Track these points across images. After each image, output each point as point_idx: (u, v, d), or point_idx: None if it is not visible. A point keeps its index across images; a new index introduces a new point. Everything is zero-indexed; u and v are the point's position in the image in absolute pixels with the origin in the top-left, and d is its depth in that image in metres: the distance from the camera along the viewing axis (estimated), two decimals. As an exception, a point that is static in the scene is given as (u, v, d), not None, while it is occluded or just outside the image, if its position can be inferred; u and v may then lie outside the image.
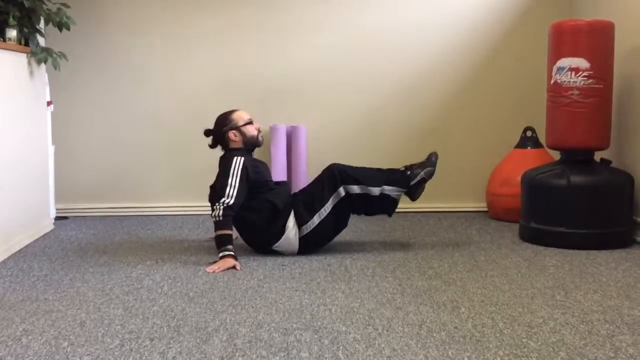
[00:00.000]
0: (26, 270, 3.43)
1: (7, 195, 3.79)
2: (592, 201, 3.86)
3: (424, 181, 3.78)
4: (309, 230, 3.65)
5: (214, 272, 3.33)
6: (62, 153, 4.90)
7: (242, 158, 3.64)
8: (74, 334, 2.48)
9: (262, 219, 3.64)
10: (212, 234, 3.58)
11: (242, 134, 3.78)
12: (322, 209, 3.65)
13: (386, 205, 3.76)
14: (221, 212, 3.47)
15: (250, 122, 3.81)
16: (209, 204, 3.64)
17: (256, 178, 3.66)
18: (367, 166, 3.86)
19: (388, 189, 3.71)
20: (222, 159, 3.77)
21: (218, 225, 3.48)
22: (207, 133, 3.85)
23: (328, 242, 3.80)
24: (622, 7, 4.36)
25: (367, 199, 3.69)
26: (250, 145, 3.81)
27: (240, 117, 3.81)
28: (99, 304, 2.84)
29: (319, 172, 3.81)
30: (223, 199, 3.49)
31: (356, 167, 3.76)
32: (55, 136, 4.76)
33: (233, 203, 3.50)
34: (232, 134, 3.77)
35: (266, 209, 3.64)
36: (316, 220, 3.65)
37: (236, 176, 3.56)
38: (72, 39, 4.69)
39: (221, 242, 3.47)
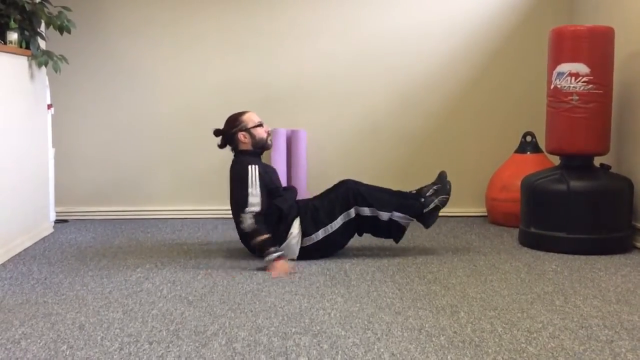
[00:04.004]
0: (25, 273, 3.43)
1: (7, 197, 3.79)
2: (592, 206, 3.86)
3: (437, 209, 3.75)
4: (311, 242, 3.65)
5: (278, 277, 3.32)
6: (62, 156, 4.90)
7: (256, 166, 3.63)
8: (73, 337, 2.48)
9: (268, 224, 3.62)
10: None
11: (252, 135, 3.78)
12: (329, 225, 3.65)
13: (393, 232, 3.75)
14: (251, 220, 3.47)
15: (260, 125, 3.81)
16: (233, 219, 3.64)
17: (267, 184, 3.67)
18: (378, 181, 3.88)
19: (397, 216, 3.69)
20: (234, 166, 3.74)
21: (254, 233, 3.47)
22: (217, 133, 3.84)
23: (326, 256, 3.75)
24: (622, 13, 4.37)
25: (375, 222, 3.69)
26: (259, 147, 3.81)
27: (251, 119, 3.81)
28: (98, 307, 2.84)
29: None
30: (247, 208, 3.49)
31: (370, 188, 3.74)
32: (56, 139, 4.76)
33: (259, 209, 3.50)
34: (241, 135, 3.77)
35: (273, 214, 3.63)
36: (321, 234, 3.64)
37: (255, 184, 3.55)
38: (73, 42, 4.70)
39: (264, 247, 3.46)
